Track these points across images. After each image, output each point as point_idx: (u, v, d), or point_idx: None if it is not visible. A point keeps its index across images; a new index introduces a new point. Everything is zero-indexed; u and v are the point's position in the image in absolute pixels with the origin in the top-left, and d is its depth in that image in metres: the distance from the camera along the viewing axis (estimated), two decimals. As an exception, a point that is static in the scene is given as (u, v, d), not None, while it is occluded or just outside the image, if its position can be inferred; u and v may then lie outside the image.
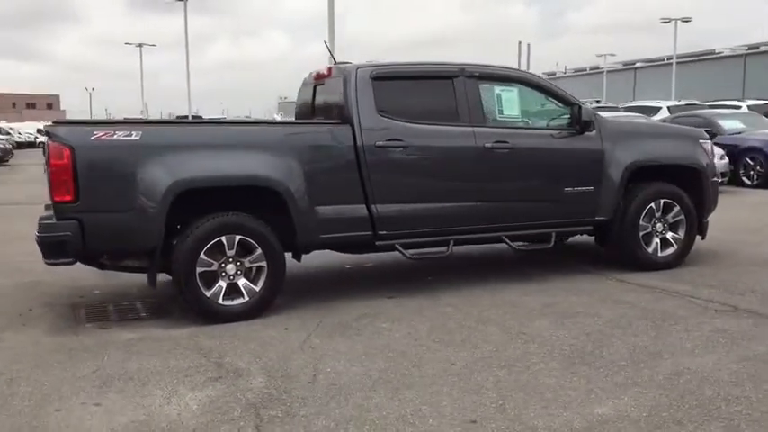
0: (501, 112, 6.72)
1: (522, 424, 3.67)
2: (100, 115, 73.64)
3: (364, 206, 6.13)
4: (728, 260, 7.59)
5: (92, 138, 5.41)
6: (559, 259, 7.65)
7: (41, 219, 5.63)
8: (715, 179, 7.49)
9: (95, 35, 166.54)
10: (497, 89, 6.71)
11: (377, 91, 6.25)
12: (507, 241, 6.64)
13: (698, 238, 7.41)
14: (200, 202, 5.71)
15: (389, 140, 6.17)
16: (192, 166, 5.61)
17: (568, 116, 6.85)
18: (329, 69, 6.66)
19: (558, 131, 6.88)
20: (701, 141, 7.46)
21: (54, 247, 5.42)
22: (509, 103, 6.74)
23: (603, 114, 8.07)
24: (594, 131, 6.89)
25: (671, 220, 7.18)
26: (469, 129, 6.44)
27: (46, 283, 6.98)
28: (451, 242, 6.44)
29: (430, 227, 6.39)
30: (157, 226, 5.46)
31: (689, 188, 7.26)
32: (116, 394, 4.18)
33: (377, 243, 6.25)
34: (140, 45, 50.99)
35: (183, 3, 42.71)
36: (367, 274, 7.40)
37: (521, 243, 6.84)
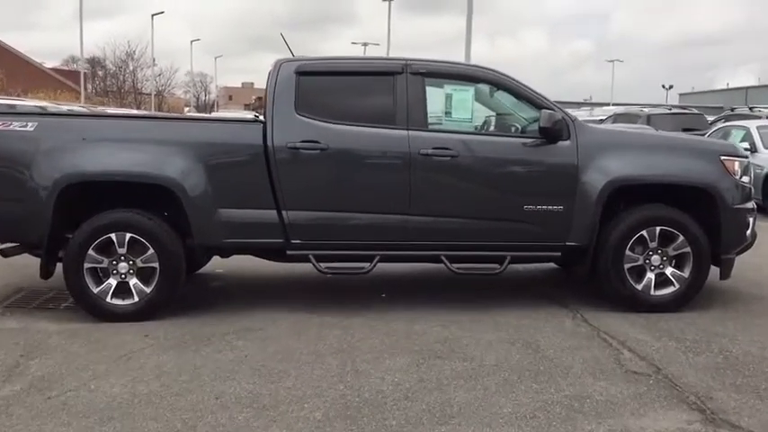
0: (449, 114, 5.86)
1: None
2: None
3: (275, 211, 5.66)
4: (747, 309, 6.03)
5: (-11, 128, 5.50)
6: (552, 290, 6.58)
7: None
8: (741, 206, 5.92)
9: (362, 36, 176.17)
10: (449, 89, 5.86)
11: (301, 87, 5.73)
12: (446, 262, 5.78)
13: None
14: (104, 196, 5.62)
15: (304, 141, 5.62)
16: (81, 161, 5.50)
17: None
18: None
19: (522, 139, 5.87)
20: (723, 158, 5.94)
21: None
22: (461, 104, 5.84)
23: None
24: (569, 141, 5.78)
25: (672, 253, 5.83)
26: (404, 132, 5.68)
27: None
28: (377, 258, 5.75)
29: (350, 239, 5.75)
30: (45, 217, 5.43)
31: (703, 215, 5.87)
32: None
33: (288, 252, 5.75)
34: (365, 44, 53.41)
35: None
36: (343, 285, 6.79)
37: (462, 265, 5.87)
